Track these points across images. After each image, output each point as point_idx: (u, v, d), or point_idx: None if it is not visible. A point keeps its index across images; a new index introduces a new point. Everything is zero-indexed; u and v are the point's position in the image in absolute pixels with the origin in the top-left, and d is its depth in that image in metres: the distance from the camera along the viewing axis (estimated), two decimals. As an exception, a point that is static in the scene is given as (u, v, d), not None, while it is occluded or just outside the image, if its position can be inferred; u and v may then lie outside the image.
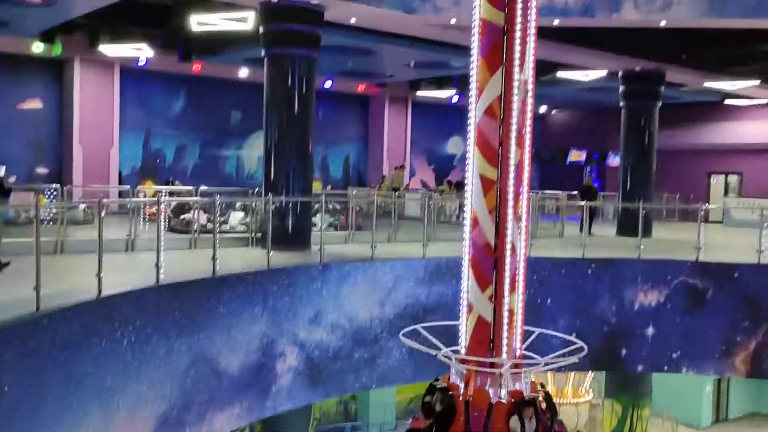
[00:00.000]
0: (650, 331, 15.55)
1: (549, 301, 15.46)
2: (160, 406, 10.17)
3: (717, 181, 31.86)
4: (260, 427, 14.31)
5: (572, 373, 28.60)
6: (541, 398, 8.54)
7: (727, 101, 28.19)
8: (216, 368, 11.26)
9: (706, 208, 26.04)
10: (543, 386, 9.04)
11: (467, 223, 8.45)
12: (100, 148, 23.23)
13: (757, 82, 22.87)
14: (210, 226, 15.17)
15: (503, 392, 8.35)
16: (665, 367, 15.64)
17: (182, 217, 17.17)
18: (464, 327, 8.70)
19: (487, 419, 8.12)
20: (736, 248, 17.66)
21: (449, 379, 8.79)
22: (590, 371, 28.87)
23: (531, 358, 8.83)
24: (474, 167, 8.22)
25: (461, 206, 19.87)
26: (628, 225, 20.01)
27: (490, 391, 8.35)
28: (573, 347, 9.19)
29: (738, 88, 24.01)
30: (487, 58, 8.05)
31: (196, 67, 23.88)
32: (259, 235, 15.56)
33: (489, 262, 8.30)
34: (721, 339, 15.40)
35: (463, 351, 8.65)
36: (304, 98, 15.22)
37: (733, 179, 31.32)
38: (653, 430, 27.43)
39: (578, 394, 29.66)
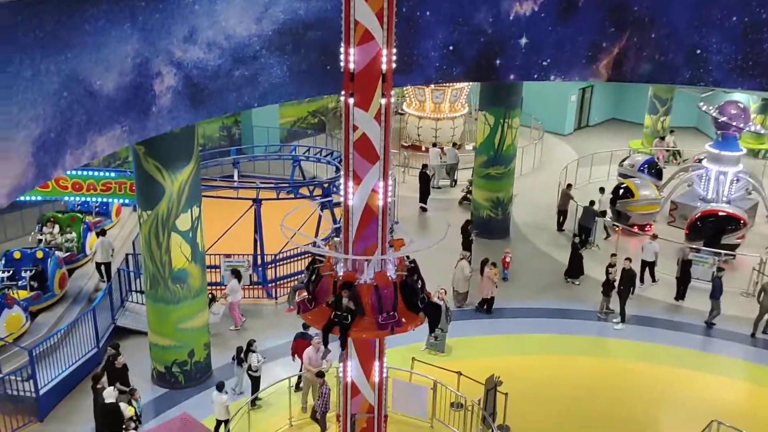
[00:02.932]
0: (523, 40, 16.03)
1: (428, 13, 15.46)
2: (35, 130, 9.91)
3: None
4: (144, 151, 14.29)
5: (449, 90, 29.66)
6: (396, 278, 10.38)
7: None
8: (90, 89, 10.89)
9: None
10: (411, 262, 10.71)
11: None
12: None
13: None
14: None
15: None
16: (535, 75, 16.39)
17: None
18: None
19: (315, 285, 10.39)
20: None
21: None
22: (467, 86, 30.02)
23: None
24: None
25: None
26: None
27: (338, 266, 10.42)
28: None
29: None
30: None
31: None
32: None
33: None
34: (588, 45, 16.13)
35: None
36: None
37: None
38: (523, 138, 29.55)
39: (455, 108, 31.03)
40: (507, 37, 15.97)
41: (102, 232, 20.19)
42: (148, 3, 11.62)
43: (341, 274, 10.34)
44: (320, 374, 14.45)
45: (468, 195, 26.36)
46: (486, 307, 19.55)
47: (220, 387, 14.63)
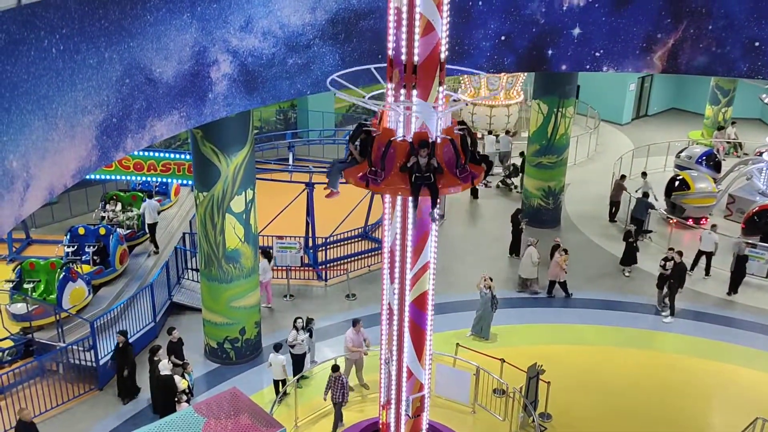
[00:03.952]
0: (576, 31, 15.98)
1: (480, 3, 15.55)
2: (99, 115, 10.46)
3: None
4: (201, 134, 14.83)
5: (504, 77, 29.59)
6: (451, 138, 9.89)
7: None
8: (150, 77, 11.41)
9: None
10: (463, 122, 10.37)
11: None
12: None
13: None
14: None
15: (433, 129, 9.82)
16: (587, 66, 16.34)
17: None
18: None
19: (385, 152, 9.70)
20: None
21: (378, 119, 10.25)
22: (522, 74, 29.88)
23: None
24: None
25: None
26: None
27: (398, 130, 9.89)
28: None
29: None
30: None
31: None
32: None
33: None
34: (642, 36, 15.98)
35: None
36: None
37: None
38: (578, 127, 29.34)
39: (510, 96, 30.96)
40: (559, 28, 15.96)
41: (149, 195, 21.17)
42: (207, -7, 12.07)
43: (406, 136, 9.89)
44: (335, 368, 14.69)
45: (506, 179, 26.58)
46: (563, 290, 19.85)
47: (277, 348, 15.32)
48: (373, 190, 10.06)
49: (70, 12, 9.52)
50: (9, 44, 8.31)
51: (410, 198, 9.88)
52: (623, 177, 24.23)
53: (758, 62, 15.61)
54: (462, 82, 31.26)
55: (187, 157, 20.04)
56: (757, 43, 15.43)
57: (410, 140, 9.78)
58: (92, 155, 10.53)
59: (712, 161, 26.12)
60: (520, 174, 25.82)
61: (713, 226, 21.25)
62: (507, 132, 28.96)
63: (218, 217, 15.53)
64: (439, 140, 9.85)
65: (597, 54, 16.16)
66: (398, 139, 9.84)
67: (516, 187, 26.47)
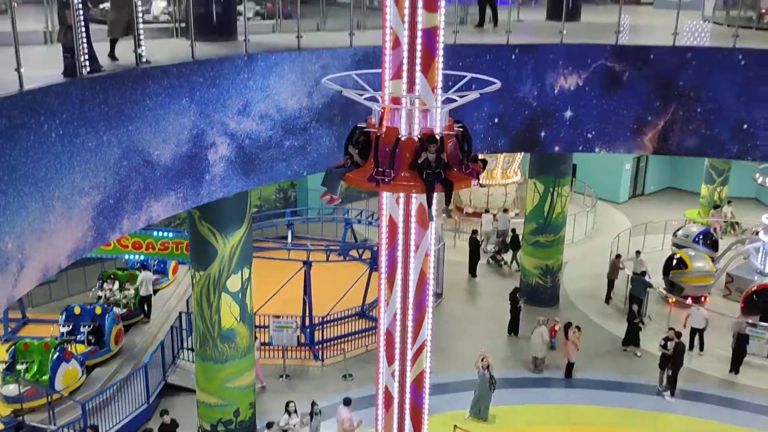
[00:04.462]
0: (568, 113, 16.33)
1: (473, 86, 15.89)
2: (96, 197, 10.60)
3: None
4: (199, 214, 15.00)
5: (501, 157, 30.01)
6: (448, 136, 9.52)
7: None
8: (148, 159, 11.61)
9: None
10: (460, 122, 10.08)
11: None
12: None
13: None
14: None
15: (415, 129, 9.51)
16: (580, 147, 16.62)
17: (102, 6, 16.62)
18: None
19: (393, 151, 9.29)
20: (659, 30, 18.14)
21: (371, 121, 9.92)
22: (519, 154, 30.30)
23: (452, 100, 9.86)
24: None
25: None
26: (557, 9, 20.05)
27: (402, 128, 9.48)
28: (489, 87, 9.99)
29: None
30: None
31: None
32: (183, 25, 15.25)
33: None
34: (632, 119, 16.32)
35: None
36: None
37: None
38: (574, 206, 29.53)
39: (507, 175, 31.31)
40: (552, 110, 16.31)
41: (144, 267, 21.19)
42: (206, 79, 12.40)
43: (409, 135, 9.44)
44: None
45: (496, 255, 26.81)
46: (568, 371, 19.72)
47: (269, 426, 15.05)
48: (384, 189, 9.82)
49: (70, 97, 9.78)
50: (9, 129, 8.51)
51: (425, 196, 9.52)
52: (618, 257, 24.27)
53: (747, 144, 15.89)
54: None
55: (186, 235, 20.16)
56: (745, 126, 15.74)
57: (418, 137, 9.51)
58: (88, 236, 10.62)
59: (709, 240, 26.22)
60: (510, 250, 26.18)
61: (700, 303, 21.34)
62: (505, 210, 29.18)
63: (214, 297, 15.52)
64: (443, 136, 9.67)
65: (589, 135, 16.46)
66: (404, 137, 9.55)
67: (506, 262, 26.64)
